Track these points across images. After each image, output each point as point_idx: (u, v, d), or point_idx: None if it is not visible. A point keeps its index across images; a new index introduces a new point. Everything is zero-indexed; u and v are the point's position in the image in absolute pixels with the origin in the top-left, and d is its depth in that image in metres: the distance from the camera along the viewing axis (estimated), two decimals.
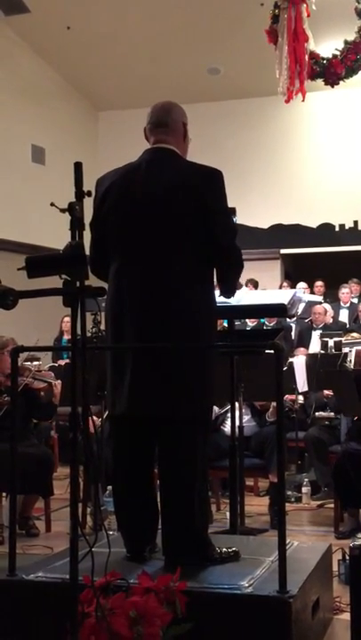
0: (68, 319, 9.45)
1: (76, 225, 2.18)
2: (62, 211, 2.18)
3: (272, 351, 2.89)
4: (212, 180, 3.11)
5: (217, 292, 3.40)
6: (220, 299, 3.51)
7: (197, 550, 3.07)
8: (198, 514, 3.12)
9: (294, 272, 12.18)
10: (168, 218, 3.06)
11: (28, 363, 5.62)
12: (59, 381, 5.64)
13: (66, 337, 9.20)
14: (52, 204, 2.20)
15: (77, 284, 2.13)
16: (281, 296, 3.65)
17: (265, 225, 11.61)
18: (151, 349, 3.03)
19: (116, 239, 3.15)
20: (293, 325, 9.03)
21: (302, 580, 2.88)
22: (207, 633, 2.70)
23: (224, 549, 3.14)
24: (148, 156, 3.21)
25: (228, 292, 3.30)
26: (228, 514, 4.94)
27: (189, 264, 3.06)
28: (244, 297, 3.66)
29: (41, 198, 9.72)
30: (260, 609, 2.72)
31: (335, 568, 3.86)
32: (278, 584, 2.73)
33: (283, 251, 11.78)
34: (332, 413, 6.15)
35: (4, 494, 5.25)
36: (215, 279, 3.23)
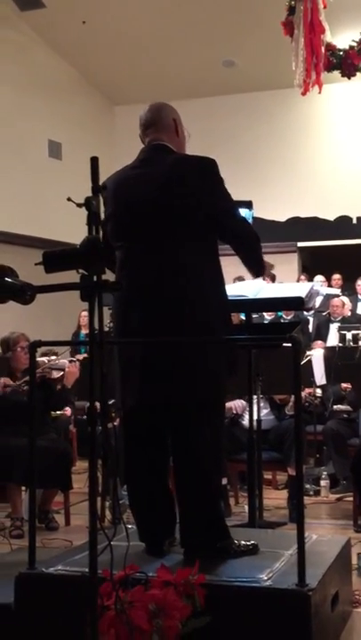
0: (85, 314, 9.47)
1: (93, 219, 2.18)
2: (79, 205, 2.18)
3: (290, 344, 2.88)
4: (205, 168, 3.13)
5: (233, 286, 3.40)
6: (236, 293, 3.51)
7: (216, 543, 3.08)
8: (215, 505, 3.13)
9: (312, 265, 12.12)
10: (166, 213, 3.08)
11: (46, 357, 5.64)
12: (73, 364, 5.64)
13: (84, 331, 9.22)
14: (69, 199, 2.21)
15: (94, 278, 2.13)
16: (298, 289, 3.64)
17: (282, 218, 11.56)
18: (159, 344, 3.04)
19: (117, 239, 3.17)
20: (311, 319, 8.99)
21: (321, 574, 2.88)
22: (226, 626, 2.71)
23: (243, 542, 3.15)
24: (143, 155, 3.25)
25: (256, 271, 3.31)
26: (246, 507, 4.95)
27: (194, 257, 3.07)
28: (261, 290, 3.65)
29: (58, 193, 9.73)
30: (279, 602, 2.72)
31: (354, 561, 3.85)
32: (297, 577, 2.73)
33: (300, 244, 11.73)
34: (350, 407, 6.12)
35: (23, 488, 5.28)
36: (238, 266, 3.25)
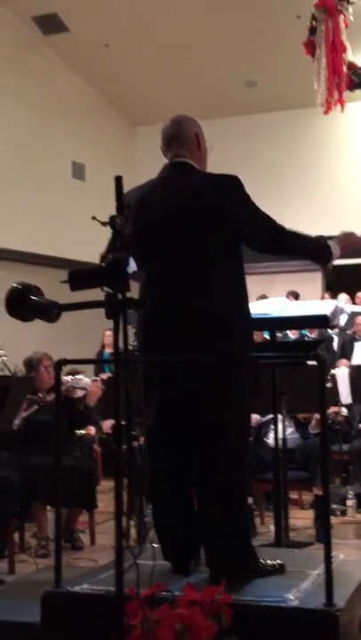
0: (109, 333, 9.50)
1: (118, 239, 2.20)
2: (103, 224, 2.20)
3: (314, 362, 2.87)
4: (229, 186, 3.10)
5: (256, 304, 3.39)
6: (259, 311, 3.51)
7: (241, 562, 3.06)
8: (240, 524, 3.11)
9: (336, 283, 12.07)
10: (190, 232, 3.06)
11: (71, 377, 5.67)
12: (95, 382, 5.67)
13: (107, 350, 9.25)
14: (94, 218, 2.23)
15: (119, 296, 2.14)
16: (323, 307, 3.63)
17: None
18: (182, 363, 3.03)
19: (140, 258, 3.17)
20: (336, 337, 8.95)
21: (349, 594, 2.84)
22: None
23: (269, 562, 3.12)
24: (165, 173, 3.24)
25: (319, 260, 3.36)
26: (272, 527, 4.91)
27: (217, 277, 3.06)
28: (285, 308, 3.65)
29: (81, 214, 9.83)
30: (306, 622, 2.69)
31: None
32: (325, 597, 2.70)
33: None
34: None
35: (49, 508, 5.29)
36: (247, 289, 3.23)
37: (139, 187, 3.27)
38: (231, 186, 3.11)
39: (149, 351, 3.14)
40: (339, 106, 7.53)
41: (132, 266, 2.94)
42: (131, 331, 3.05)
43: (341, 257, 3.28)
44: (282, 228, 3.15)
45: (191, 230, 3.07)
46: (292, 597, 2.78)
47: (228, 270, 3.11)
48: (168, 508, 3.23)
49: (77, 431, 6.17)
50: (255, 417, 5.59)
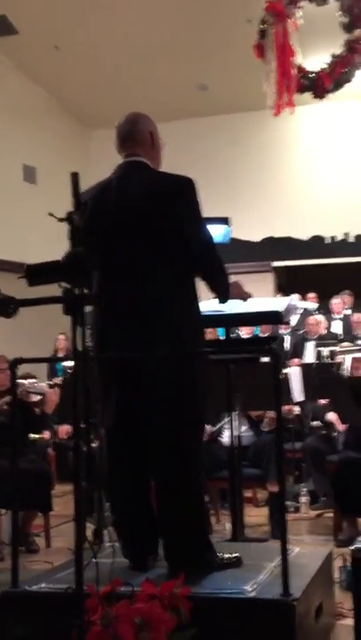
0: (62, 337, 9.46)
1: (75, 234, 2.21)
2: (60, 220, 2.21)
3: (268, 358, 2.91)
4: (182, 188, 3.14)
5: (210, 302, 3.42)
6: (213, 308, 3.54)
7: (199, 556, 3.09)
8: (198, 519, 3.14)
9: (287, 284, 12.23)
10: (142, 231, 3.09)
11: (25, 381, 5.64)
12: (54, 390, 5.66)
13: (60, 354, 9.21)
14: (51, 214, 2.24)
15: (77, 291, 2.16)
16: (276, 303, 3.69)
17: (257, 238, 11.67)
18: (136, 361, 3.05)
19: (94, 257, 3.18)
20: (288, 337, 9.06)
21: (305, 585, 2.90)
22: (212, 638, 2.71)
23: (226, 555, 3.16)
24: (119, 172, 3.26)
25: (220, 299, 3.32)
26: (227, 525, 4.95)
27: (169, 275, 3.09)
28: (238, 305, 3.69)
29: (34, 217, 9.76)
30: (264, 613, 2.74)
31: (336, 575, 3.87)
32: (282, 588, 2.74)
33: (275, 263, 11.83)
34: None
35: (3, 511, 5.24)
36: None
37: (92, 187, 3.29)
38: (185, 187, 3.15)
39: (104, 351, 3.16)
40: (289, 108, 7.64)
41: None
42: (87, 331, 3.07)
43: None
44: (215, 251, 3.20)
45: (145, 229, 3.09)
46: (249, 589, 2.83)
47: (178, 269, 3.13)
48: (126, 505, 3.25)
49: (31, 435, 6.13)
50: (207, 427, 5.60)
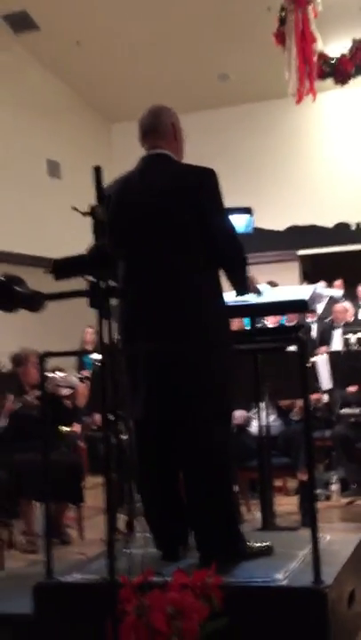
0: (90, 330, 9.50)
1: (99, 228, 2.23)
2: (84, 214, 2.23)
3: (295, 347, 2.91)
4: (205, 179, 3.15)
5: (235, 293, 3.43)
6: (239, 298, 3.54)
7: (230, 545, 3.10)
8: (228, 509, 3.15)
9: (313, 272, 12.17)
10: (166, 223, 3.11)
11: (54, 374, 5.68)
12: (83, 384, 5.71)
13: (89, 347, 9.25)
14: (74, 208, 2.25)
15: (103, 285, 2.17)
16: (302, 292, 3.68)
17: (281, 227, 11.63)
18: (163, 353, 3.06)
19: (118, 249, 3.19)
20: (314, 325, 9.03)
21: (337, 572, 2.90)
22: (245, 626, 2.72)
23: (257, 544, 3.17)
24: (142, 164, 3.27)
25: (238, 291, 3.30)
26: (257, 514, 4.95)
27: (193, 267, 3.11)
28: (263, 294, 3.68)
29: (58, 212, 9.82)
30: (296, 600, 2.74)
31: None
32: (313, 575, 2.75)
33: (300, 252, 11.78)
34: (358, 410, 6.14)
35: (36, 503, 5.30)
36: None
37: (116, 180, 3.30)
38: (207, 178, 3.16)
39: (130, 343, 3.17)
40: (311, 96, 7.60)
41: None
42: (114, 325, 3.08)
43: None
44: (239, 242, 3.19)
45: (168, 222, 3.11)
46: (280, 577, 2.84)
47: (202, 261, 3.14)
48: (155, 496, 3.27)
49: (62, 428, 6.18)
50: (242, 413, 5.62)
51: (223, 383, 3.14)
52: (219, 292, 3.21)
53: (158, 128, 3.28)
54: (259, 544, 3.18)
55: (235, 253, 3.20)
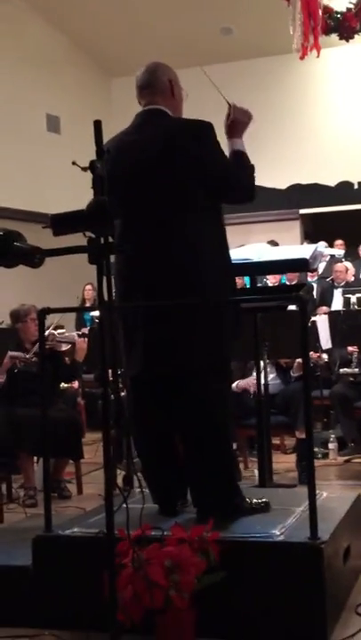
0: (89, 287, 9.50)
1: (98, 183, 2.20)
2: (84, 169, 2.20)
3: (295, 306, 2.90)
4: (201, 132, 3.11)
5: (237, 250, 3.40)
6: (240, 256, 3.52)
7: (228, 501, 3.13)
8: (225, 464, 3.17)
9: (314, 232, 12.11)
10: (163, 177, 3.07)
11: (54, 330, 5.68)
12: (82, 339, 5.71)
13: (88, 305, 9.26)
14: (74, 163, 2.22)
15: (102, 240, 2.15)
16: (303, 251, 3.65)
17: (283, 185, 11.52)
18: (159, 307, 3.06)
19: (116, 205, 3.15)
20: (315, 285, 9.02)
21: (333, 528, 2.94)
22: (241, 580, 2.77)
23: (255, 500, 3.20)
24: (138, 120, 3.24)
25: (248, 196, 3.24)
26: (255, 471, 5.00)
27: (193, 222, 3.08)
28: (265, 253, 3.67)
29: (58, 167, 9.71)
30: (292, 556, 2.78)
31: None
32: (310, 531, 2.78)
33: (302, 211, 11.70)
34: (357, 369, 6.16)
35: (35, 458, 5.35)
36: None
37: (115, 135, 3.26)
38: (203, 130, 3.12)
39: (127, 299, 3.16)
40: (315, 51, 7.49)
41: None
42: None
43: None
44: (245, 172, 3.18)
45: (166, 176, 3.07)
46: (277, 532, 2.87)
47: (204, 217, 3.12)
48: (153, 454, 3.29)
49: (61, 384, 6.20)
50: (249, 380, 5.59)
51: (222, 338, 3.13)
52: (219, 248, 3.18)
53: (154, 84, 3.24)
54: (256, 500, 3.21)
55: (245, 188, 3.18)
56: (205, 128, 3.12)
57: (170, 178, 3.07)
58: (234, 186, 3.18)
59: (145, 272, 3.09)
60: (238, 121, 3.32)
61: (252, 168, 3.23)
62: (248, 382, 5.55)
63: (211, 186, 3.10)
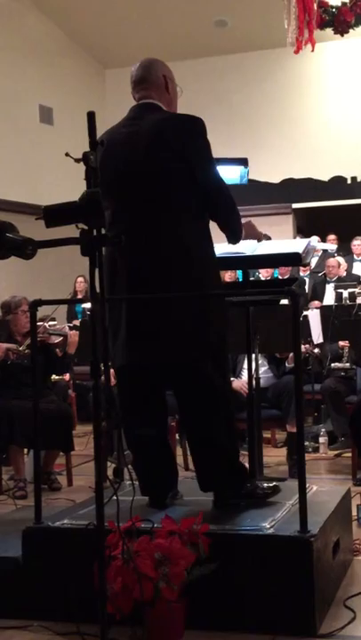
0: (81, 279, 9.49)
1: (91, 174, 2.19)
2: (77, 161, 2.19)
3: (287, 300, 2.90)
4: (191, 127, 3.11)
5: (228, 245, 3.40)
6: (233, 250, 3.52)
7: (239, 486, 3.15)
8: (235, 450, 3.18)
9: (307, 226, 12.13)
10: (152, 171, 3.08)
11: (45, 323, 5.67)
12: (74, 332, 5.70)
13: (80, 297, 9.24)
14: (67, 154, 2.22)
15: (94, 232, 2.15)
16: (295, 245, 3.65)
17: (276, 179, 11.53)
18: (143, 299, 3.06)
19: (105, 197, 3.14)
20: (307, 279, 9.03)
21: (323, 521, 2.94)
22: (230, 573, 2.77)
23: (266, 484, 3.23)
24: (131, 113, 3.25)
25: (231, 239, 3.28)
26: (246, 464, 5.00)
27: (180, 216, 3.08)
28: (258, 247, 3.66)
29: (50, 159, 9.71)
30: (281, 549, 2.78)
31: (354, 512, 3.93)
32: (299, 524, 2.79)
33: (295, 205, 11.70)
34: (348, 364, 6.18)
35: (25, 450, 5.34)
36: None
37: (109, 129, 3.27)
38: (197, 127, 3.12)
39: (114, 292, 3.15)
40: (309, 45, 7.48)
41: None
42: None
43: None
44: (227, 190, 3.17)
45: (155, 169, 3.07)
46: (267, 526, 2.87)
47: (189, 210, 3.12)
48: (143, 444, 3.28)
49: (52, 376, 6.20)
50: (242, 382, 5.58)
51: (210, 324, 3.11)
52: (208, 241, 3.18)
53: (149, 78, 3.25)
54: (267, 484, 3.26)
55: (222, 201, 3.17)
56: (195, 123, 3.12)
57: (159, 170, 3.07)
58: (221, 204, 3.17)
59: (129, 265, 3.09)
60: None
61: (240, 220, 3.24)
62: (240, 385, 5.54)
63: (193, 182, 3.09)
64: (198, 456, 3.21)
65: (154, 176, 3.07)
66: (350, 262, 9.42)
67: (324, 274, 8.88)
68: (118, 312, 3.13)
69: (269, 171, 11.10)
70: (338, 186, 11.43)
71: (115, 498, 2.37)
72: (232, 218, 3.23)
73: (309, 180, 11.51)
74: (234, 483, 3.17)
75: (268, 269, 7.47)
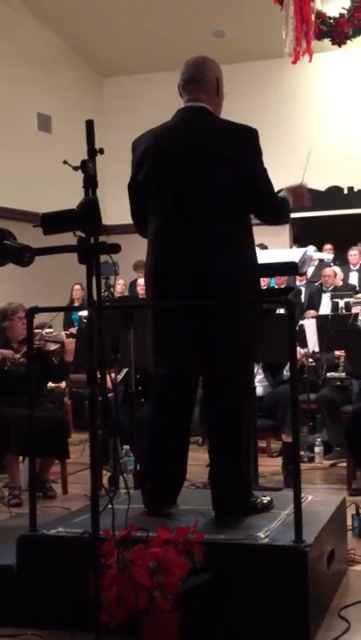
0: (78, 287, 9.48)
1: (90, 182, 2.20)
2: (75, 168, 2.20)
3: (283, 310, 2.91)
4: (248, 138, 3.12)
5: None
6: None
7: (247, 501, 3.17)
8: (247, 465, 3.23)
9: (303, 236, 12.14)
10: (205, 179, 3.06)
11: (42, 330, 5.67)
12: (71, 339, 5.70)
13: (76, 305, 9.24)
14: (65, 162, 2.22)
15: (92, 240, 2.15)
16: (292, 254, 3.67)
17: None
18: (197, 308, 3.05)
19: (154, 202, 3.13)
20: (303, 289, 9.04)
21: (317, 531, 2.94)
22: (225, 582, 2.77)
23: (262, 498, 3.24)
24: (181, 116, 3.19)
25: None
26: None
27: (230, 223, 3.08)
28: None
29: (49, 167, 9.70)
30: (276, 558, 2.78)
31: (349, 523, 3.92)
32: (294, 534, 2.78)
33: (291, 214, 11.67)
34: (344, 374, 6.18)
35: (20, 458, 5.33)
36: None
37: (150, 131, 3.22)
38: (254, 138, 3.13)
39: (161, 297, 3.14)
40: (307, 56, 7.51)
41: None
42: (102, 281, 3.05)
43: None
44: (285, 200, 3.28)
45: (208, 179, 3.06)
46: (262, 535, 2.87)
47: (239, 219, 3.14)
48: (167, 453, 3.25)
49: (48, 384, 6.20)
50: None
51: (251, 340, 3.14)
52: (253, 251, 3.21)
53: (202, 80, 3.19)
54: (264, 497, 3.26)
55: (280, 212, 3.29)
56: (253, 133, 3.14)
57: (211, 180, 3.06)
58: (272, 212, 3.27)
59: (179, 275, 3.07)
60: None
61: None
62: None
63: (252, 201, 3.14)
64: (219, 473, 3.21)
65: (206, 185, 3.05)
66: (346, 272, 9.44)
67: (321, 283, 8.89)
68: (166, 320, 3.12)
69: None
70: (335, 196, 11.45)
71: (110, 506, 2.37)
72: (281, 222, 3.38)
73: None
74: (241, 495, 3.18)
75: (265, 279, 7.48)
